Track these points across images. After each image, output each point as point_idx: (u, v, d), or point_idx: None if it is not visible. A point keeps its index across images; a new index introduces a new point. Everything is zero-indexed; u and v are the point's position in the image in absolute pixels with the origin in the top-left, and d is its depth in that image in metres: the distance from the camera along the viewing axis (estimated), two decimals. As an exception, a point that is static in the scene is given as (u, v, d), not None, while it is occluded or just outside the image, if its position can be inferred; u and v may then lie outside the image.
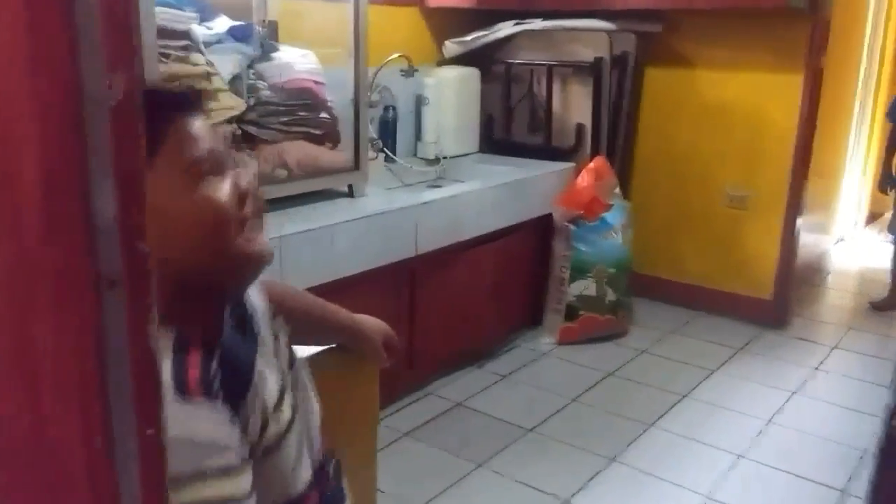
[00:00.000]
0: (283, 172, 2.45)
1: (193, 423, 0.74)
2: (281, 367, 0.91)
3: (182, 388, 0.74)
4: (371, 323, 1.30)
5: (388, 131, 3.35)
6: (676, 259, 3.88)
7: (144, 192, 0.38)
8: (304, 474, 0.92)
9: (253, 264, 0.83)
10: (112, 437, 0.37)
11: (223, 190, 0.79)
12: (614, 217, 3.38)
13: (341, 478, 1.06)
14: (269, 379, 0.85)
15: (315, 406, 1.03)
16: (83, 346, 0.36)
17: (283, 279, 2.19)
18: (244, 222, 0.81)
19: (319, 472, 0.97)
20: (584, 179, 3.35)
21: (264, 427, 0.84)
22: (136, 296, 0.38)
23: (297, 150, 2.49)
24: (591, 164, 3.37)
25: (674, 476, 2.45)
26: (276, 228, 2.24)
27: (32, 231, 0.35)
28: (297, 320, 1.11)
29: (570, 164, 3.47)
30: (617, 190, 3.46)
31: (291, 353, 1.00)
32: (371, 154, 2.95)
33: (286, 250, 2.22)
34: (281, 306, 1.03)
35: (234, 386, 0.79)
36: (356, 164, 2.66)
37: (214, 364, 0.78)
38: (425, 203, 2.75)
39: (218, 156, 0.81)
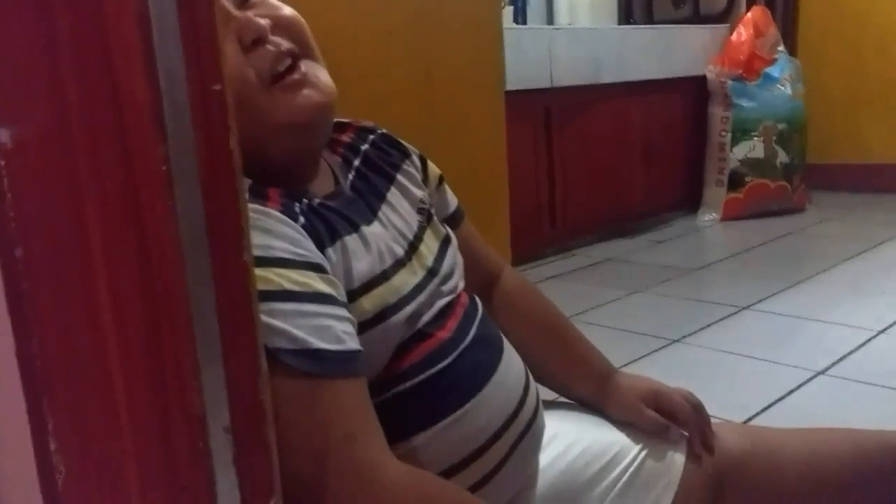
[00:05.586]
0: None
1: (268, 219, 0.55)
2: (389, 253, 0.65)
3: (259, 194, 0.57)
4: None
5: None
6: (857, 138, 3.35)
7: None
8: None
9: (294, 129, 0.61)
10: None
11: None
12: (779, 69, 2.97)
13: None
14: (359, 263, 0.62)
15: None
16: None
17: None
18: (271, 78, 0.59)
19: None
20: (741, 34, 2.98)
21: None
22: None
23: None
24: (748, 16, 3.00)
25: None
26: None
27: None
28: (530, 340, 0.80)
29: (723, 25, 3.12)
30: (781, 47, 3.05)
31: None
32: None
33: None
34: (507, 308, 0.81)
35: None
36: None
37: (297, 207, 0.59)
38: (559, 29, 2.51)
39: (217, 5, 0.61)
